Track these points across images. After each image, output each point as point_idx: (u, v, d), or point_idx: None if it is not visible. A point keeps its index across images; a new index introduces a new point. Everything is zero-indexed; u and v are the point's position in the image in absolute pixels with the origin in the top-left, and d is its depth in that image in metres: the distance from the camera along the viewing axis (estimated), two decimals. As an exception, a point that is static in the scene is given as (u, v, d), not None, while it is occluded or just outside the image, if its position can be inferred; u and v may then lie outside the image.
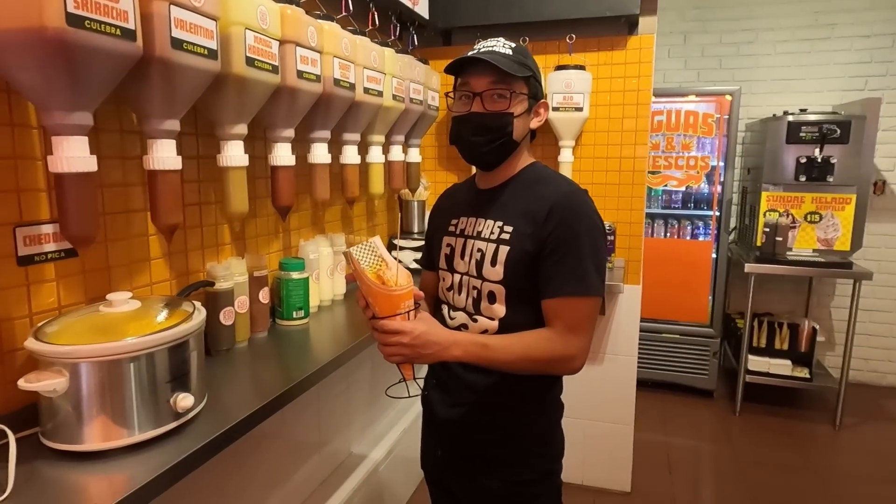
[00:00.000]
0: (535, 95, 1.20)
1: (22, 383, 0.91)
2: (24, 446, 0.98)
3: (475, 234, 1.24)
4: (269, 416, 1.23)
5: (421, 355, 1.11)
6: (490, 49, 1.17)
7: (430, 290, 1.41)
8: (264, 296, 1.60)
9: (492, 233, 1.20)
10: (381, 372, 2.46)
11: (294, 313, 1.73)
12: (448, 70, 1.21)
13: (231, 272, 1.48)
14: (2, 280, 1.01)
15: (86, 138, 0.91)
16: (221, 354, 1.46)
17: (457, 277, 1.27)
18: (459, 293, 1.27)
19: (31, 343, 0.94)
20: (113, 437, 0.98)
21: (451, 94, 1.24)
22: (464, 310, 1.26)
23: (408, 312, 1.10)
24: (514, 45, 1.19)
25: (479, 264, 1.21)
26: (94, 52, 0.85)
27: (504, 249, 1.17)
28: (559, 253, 1.12)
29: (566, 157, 2.46)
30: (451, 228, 1.31)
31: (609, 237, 2.51)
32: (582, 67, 2.39)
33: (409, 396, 1.24)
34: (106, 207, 1.20)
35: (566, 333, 1.13)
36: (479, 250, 1.22)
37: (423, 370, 1.17)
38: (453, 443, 1.33)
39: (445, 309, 1.31)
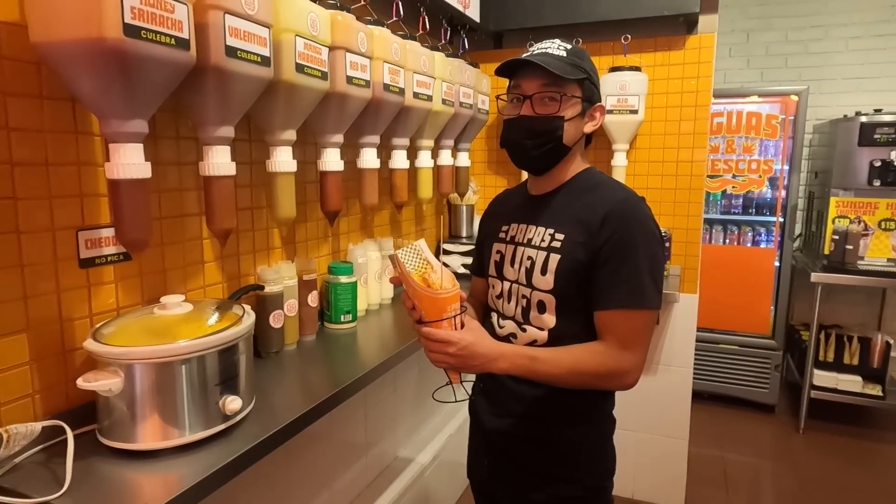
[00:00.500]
0: (591, 99, 1.16)
1: (80, 382, 0.94)
2: (82, 443, 1.01)
3: (525, 241, 1.21)
4: (315, 419, 1.24)
5: (467, 366, 1.09)
6: (543, 51, 1.14)
7: (481, 297, 1.38)
8: (313, 299, 1.62)
9: (542, 240, 1.17)
10: (428, 375, 2.46)
11: (342, 317, 1.74)
12: (499, 72, 1.18)
13: (281, 276, 1.50)
14: (64, 281, 1.05)
15: (141, 145, 0.93)
16: (270, 357, 1.48)
17: (506, 285, 1.24)
18: (509, 301, 1.24)
19: (89, 343, 0.98)
20: (164, 437, 1.01)
21: (503, 97, 1.22)
22: (513, 318, 1.23)
23: (454, 317, 1.09)
24: (569, 46, 1.16)
25: (529, 272, 1.18)
26: (149, 62, 0.87)
27: (555, 258, 1.13)
28: (613, 263, 1.07)
29: (620, 161, 2.39)
30: (502, 235, 1.28)
31: (665, 244, 2.43)
32: (637, 69, 2.32)
33: (456, 401, 1.23)
34: (162, 212, 1.24)
35: (619, 348, 1.08)
36: (530, 258, 1.18)
37: (471, 374, 1.15)
38: (499, 454, 1.29)
39: (495, 317, 1.29)
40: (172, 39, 0.90)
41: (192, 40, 0.95)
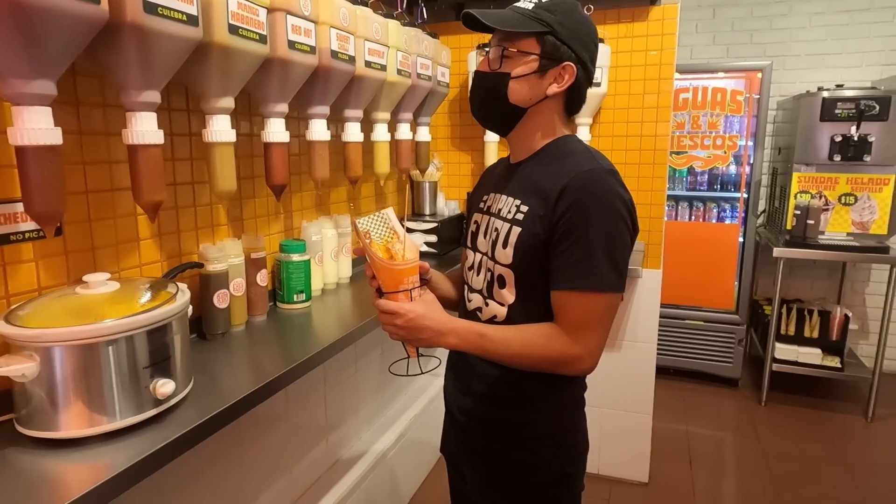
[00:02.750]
0: (555, 56, 1.04)
1: (-12, 368, 0.87)
2: (-3, 433, 0.95)
3: (496, 211, 1.15)
4: (260, 401, 1.18)
5: (416, 339, 1.04)
6: (515, 4, 1.07)
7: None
8: (262, 278, 1.55)
9: (509, 211, 1.10)
10: (390, 355, 2.41)
11: (295, 296, 1.67)
12: (469, 26, 1.10)
13: (226, 254, 1.43)
14: (-25, 260, 0.97)
15: (48, 108, 0.85)
16: (217, 338, 1.42)
17: (477, 257, 1.19)
18: (478, 274, 1.18)
19: (-1, 326, 0.90)
20: (90, 424, 0.94)
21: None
22: (480, 292, 1.17)
23: (411, 290, 1.04)
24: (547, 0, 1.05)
25: (494, 244, 1.12)
26: (52, 14, 0.79)
27: (516, 231, 1.06)
28: (568, 240, 0.99)
29: (583, 135, 2.36)
30: (481, 205, 1.22)
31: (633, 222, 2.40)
32: (600, 40, 2.27)
33: (408, 374, 1.18)
34: (89, 185, 1.16)
35: (572, 331, 1.01)
36: (496, 230, 1.12)
37: (435, 349, 1.10)
38: (465, 432, 1.24)
39: (466, 290, 1.23)
40: (78, -9, 0.82)
41: (102, -7, 0.86)
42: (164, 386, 1.00)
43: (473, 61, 2.38)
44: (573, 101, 1.12)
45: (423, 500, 2.51)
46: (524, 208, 1.07)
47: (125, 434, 0.97)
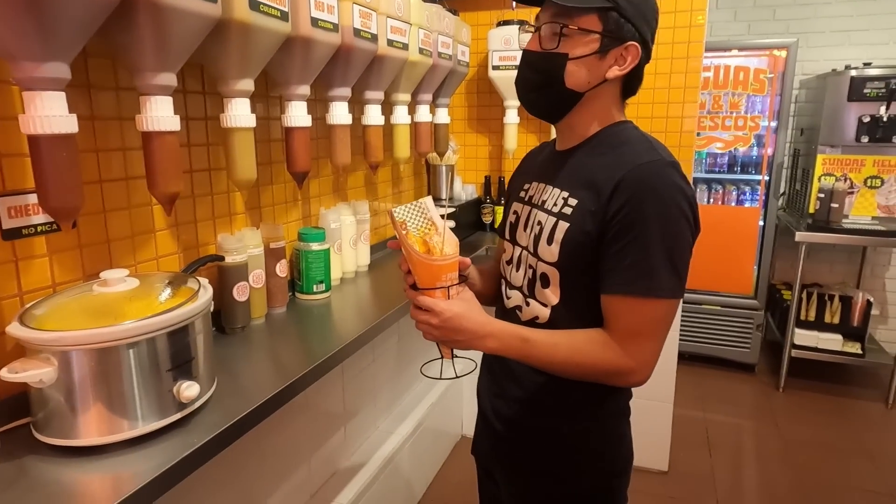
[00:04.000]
0: (618, 35, 0.93)
1: (4, 373, 0.81)
2: (13, 440, 0.89)
3: (540, 203, 1.05)
4: (285, 401, 1.13)
5: (452, 340, 0.97)
6: None
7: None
8: (282, 269, 1.49)
9: (555, 204, 1.00)
10: (408, 342, 2.36)
11: (314, 287, 1.62)
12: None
13: (244, 244, 1.36)
14: (-15, 256, 0.91)
15: (62, 94, 0.78)
16: (236, 332, 1.36)
17: (517, 251, 1.09)
18: (517, 269, 1.08)
19: (14, 328, 0.84)
20: (111, 431, 0.89)
21: (530, 28, 1.02)
22: (520, 290, 1.08)
23: (448, 287, 0.97)
24: None
25: (537, 240, 1.02)
26: (63, -11, 0.72)
27: (563, 226, 0.97)
28: (623, 240, 0.90)
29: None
30: (522, 194, 1.12)
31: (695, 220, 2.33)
32: (627, 17, 2.17)
33: (441, 378, 1.12)
34: (102, 174, 1.09)
35: (625, 340, 0.92)
36: (539, 223, 1.02)
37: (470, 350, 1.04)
38: (499, 437, 1.16)
39: (503, 285, 1.14)
40: (92, -36, 0.75)
41: (118, -34, 0.79)
42: (189, 389, 0.95)
43: (494, 39, 2.28)
44: (631, 83, 1.01)
45: (440, 489, 2.48)
46: (573, 202, 0.97)
47: (148, 440, 0.92)
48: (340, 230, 1.75)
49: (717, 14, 3.83)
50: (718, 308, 3.53)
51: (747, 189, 3.51)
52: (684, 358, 3.62)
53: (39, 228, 0.98)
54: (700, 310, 3.55)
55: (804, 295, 3.34)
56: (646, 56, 0.98)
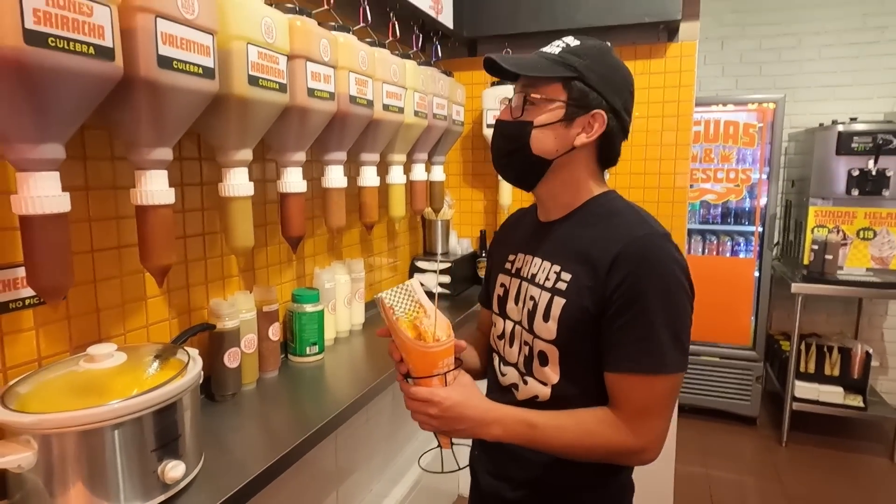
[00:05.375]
0: (585, 103, 0.94)
1: (-19, 459, 0.78)
2: (-11, 525, 0.86)
3: (529, 276, 1.03)
4: (275, 476, 1.09)
5: (453, 430, 0.93)
6: (540, 50, 0.99)
7: (486, 331, 1.19)
8: (274, 332, 1.47)
9: (547, 278, 0.98)
10: (403, 402, 2.31)
11: (307, 349, 1.59)
12: (488, 72, 1.02)
13: (237, 309, 1.35)
14: (-30, 332, 0.89)
15: (56, 174, 0.78)
16: (227, 400, 1.33)
17: (509, 325, 1.07)
18: (511, 345, 1.06)
19: (-6, 410, 0.82)
20: (92, 515, 0.85)
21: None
22: (515, 366, 1.05)
23: (445, 374, 0.93)
24: (576, 43, 0.98)
25: (531, 315, 1.00)
26: (60, 75, 0.73)
27: (559, 302, 0.95)
28: (625, 316, 0.88)
29: (601, 173, 2.29)
30: (508, 266, 1.10)
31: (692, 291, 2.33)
32: (618, 77, 2.22)
33: (444, 472, 1.05)
34: (95, 243, 1.08)
35: (634, 419, 0.90)
36: (532, 298, 1.00)
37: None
38: None
39: (496, 360, 1.11)
40: (91, 48, 0.76)
41: (117, 48, 0.80)
42: (174, 469, 0.91)
43: (488, 98, 2.33)
44: (606, 152, 1.00)
45: (436, 554, 2.38)
46: (566, 276, 0.96)
47: (130, 524, 0.88)
48: (335, 290, 1.73)
49: (706, 70, 3.94)
50: (717, 359, 3.49)
51: (741, 240, 3.53)
52: (684, 410, 3.56)
53: (28, 301, 0.96)
54: (699, 361, 3.51)
55: (803, 346, 3.32)
56: (618, 125, 0.97)
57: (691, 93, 2.27)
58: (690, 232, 3.60)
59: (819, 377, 3.27)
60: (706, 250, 3.56)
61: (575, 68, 0.94)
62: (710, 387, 3.52)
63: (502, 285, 1.10)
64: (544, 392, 0.99)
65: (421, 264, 2.38)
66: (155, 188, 0.94)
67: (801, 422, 3.32)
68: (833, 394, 3.23)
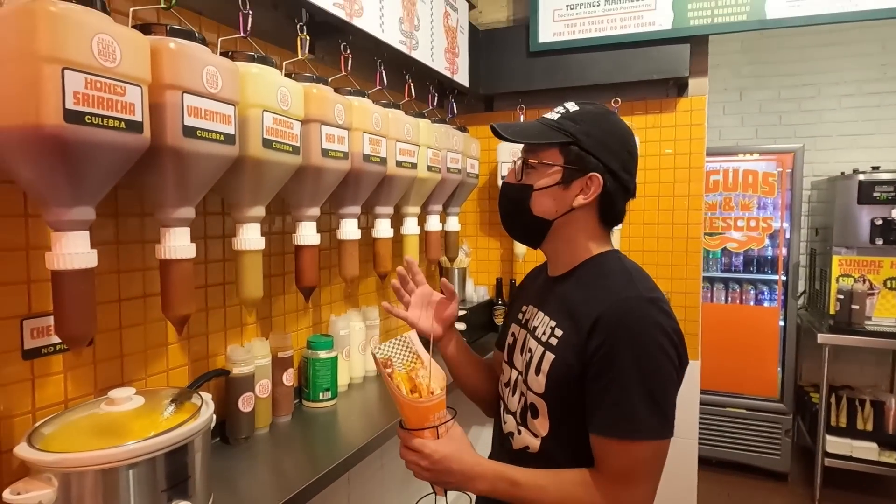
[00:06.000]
0: (582, 166, 0.98)
1: (7, 495, 0.84)
2: (10, 559, 0.91)
3: (532, 328, 1.07)
4: (280, 521, 1.13)
5: (442, 482, 0.97)
6: (542, 116, 1.06)
7: (497, 371, 1.22)
8: (289, 378, 1.53)
9: (544, 333, 1.02)
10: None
11: (321, 394, 1.64)
12: (498, 137, 1.09)
13: (252, 355, 1.41)
14: (5, 375, 0.97)
15: (86, 233, 0.87)
16: (240, 443, 1.38)
17: (514, 374, 1.09)
18: (513, 394, 1.08)
19: (20, 449, 0.88)
20: (104, 552, 0.90)
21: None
22: (514, 415, 1.07)
23: (437, 427, 0.96)
24: (575, 108, 1.03)
25: (527, 368, 1.03)
26: (95, 147, 0.82)
27: (549, 357, 0.98)
28: (602, 379, 0.90)
29: (613, 223, 2.33)
30: (520, 316, 1.14)
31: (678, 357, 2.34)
32: (628, 131, 2.29)
33: None
34: (122, 293, 1.17)
35: (614, 482, 0.91)
36: (530, 350, 1.04)
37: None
38: None
39: (501, 407, 1.13)
40: (122, 123, 0.85)
41: (145, 122, 0.90)
42: (182, 510, 0.96)
43: (503, 151, 2.41)
44: (607, 212, 1.03)
45: None
46: (558, 332, 0.99)
47: (139, 563, 0.93)
48: (350, 336, 1.79)
49: (725, 119, 3.99)
50: (743, 411, 3.41)
51: (765, 288, 3.49)
52: (710, 464, 3.46)
53: (58, 347, 1.05)
54: (723, 412, 3.43)
55: (833, 399, 3.22)
56: (616, 185, 1.00)
57: (702, 145, 2.32)
58: (713, 280, 3.58)
59: (851, 432, 3.16)
60: (729, 298, 3.53)
61: (571, 133, 0.99)
62: (737, 439, 3.43)
63: (513, 334, 1.14)
64: (534, 444, 1.01)
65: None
66: (177, 244, 1.03)
67: (834, 478, 3.19)
68: (867, 450, 3.10)
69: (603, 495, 0.91)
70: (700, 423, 2.40)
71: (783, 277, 3.41)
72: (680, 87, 2.33)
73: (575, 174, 1.00)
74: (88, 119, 0.80)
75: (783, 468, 3.35)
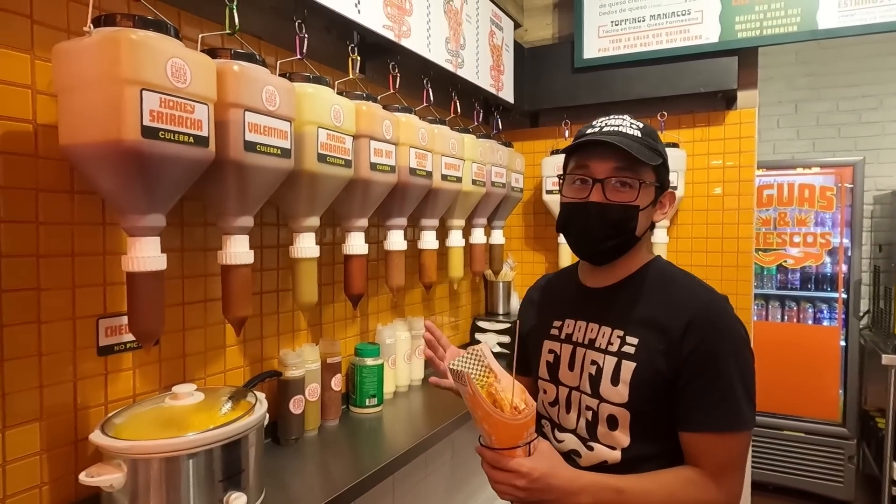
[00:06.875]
0: (663, 185, 1.04)
1: (83, 477, 0.92)
2: (83, 541, 0.99)
3: (587, 342, 1.06)
4: (328, 517, 1.18)
5: (539, 501, 0.94)
6: (616, 129, 1.01)
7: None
8: (337, 383, 1.59)
9: (610, 343, 1.02)
10: (462, 458, 2.34)
11: (367, 401, 1.69)
12: (568, 150, 1.06)
13: (303, 359, 1.48)
14: (82, 369, 1.06)
15: (157, 238, 0.95)
16: (290, 444, 1.45)
17: (563, 392, 1.08)
18: (568, 411, 1.07)
19: (95, 436, 0.97)
20: (166, 537, 0.97)
21: (562, 176, 1.08)
22: (574, 433, 1.06)
23: (529, 444, 0.92)
24: (642, 125, 1.03)
25: (595, 380, 1.02)
26: (167, 160, 0.90)
27: (629, 366, 0.98)
28: (703, 378, 0.94)
29: (660, 237, 2.31)
30: (554, 332, 1.13)
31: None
32: (675, 145, 2.28)
33: None
34: (186, 297, 1.26)
35: (717, 477, 0.93)
36: (594, 363, 1.03)
37: None
38: None
39: (548, 427, 1.12)
40: (191, 138, 0.94)
41: (211, 137, 0.98)
42: (237, 500, 1.02)
43: (547, 166, 2.43)
44: (653, 223, 1.10)
45: None
46: (632, 340, 0.99)
47: (197, 549, 0.99)
48: (395, 345, 1.84)
49: (780, 133, 3.89)
50: (802, 435, 3.27)
51: (824, 307, 3.35)
52: (767, 489, 3.32)
53: (128, 345, 1.14)
54: (781, 435, 3.29)
55: (900, 424, 3.05)
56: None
57: (752, 158, 2.28)
58: (767, 297, 3.47)
59: (922, 459, 2.98)
60: (786, 317, 3.41)
61: (660, 153, 1.03)
62: (795, 464, 3.28)
63: (551, 351, 1.12)
64: (613, 456, 1.00)
65: (482, 324, 2.46)
66: (238, 250, 1.10)
67: (904, 509, 3.01)
68: (939, 479, 2.92)
69: (708, 489, 0.94)
70: (755, 444, 2.34)
71: (844, 295, 3.27)
72: (728, 99, 2.31)
73: (661, 192, 1.05)
74: (162, 134, 0.89)
75: (846, 497, 3.18)
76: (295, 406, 1.43)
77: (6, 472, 0.96)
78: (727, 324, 0.97)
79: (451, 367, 0.92)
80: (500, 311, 2.55)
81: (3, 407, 0.95)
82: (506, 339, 2.38)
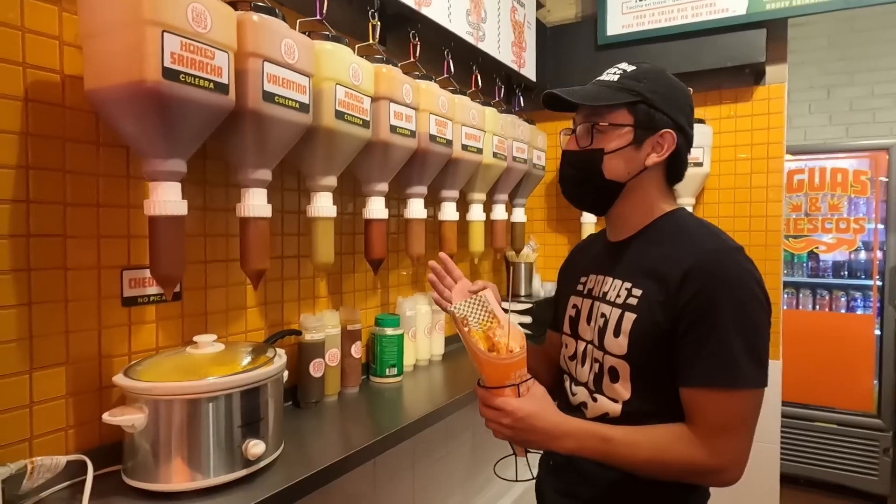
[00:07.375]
0: (652, 125, 0.99)
1: (106, 417, 0.94)
2: (107, 482, 1.01)
3: (601, 294, 1.06)
4: (346, 471, 1.18)
5: (525, 441, 0.96)
6: (598, 79, 1.05)
7: (553, 355, 1.21)
8: (357, 351, 1.59)
9: (618, 295, 1.01)
10: (483, 439, 2.33)
11: (387, 370, 1.70)
12: (552, 107, 1.08)
13: (323, 324, 1.49)
14: (106, 319, 1.09)
15: (178, 184, 0.97)
16: (310, 407, 1.46)
17: (580, 345, 1.08)
18: (582, 364, 1.07)
19: (118, 378, 0.99)
20: (187, 479, 0.99)
21: (567, 132, 1.10)
22: (585, 385, 1.06)
23: (518, 385, 0.95)
24: (631, 68, 1.03)
25: (602, 332, 1.01)
26: (187, 103, 0.92)
27: (630, 317, 0.97)
28: (698, 330, 0.90)
29: (685, 215, 2.27)
30: (580, 287, 1.13)
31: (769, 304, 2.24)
32: (701, 121, 2.24)
33: (517, 480, 1.08)
34: (207, 255, 1.28)
35: (711, 436, 0.88)
36: (603, 315, 1.02)
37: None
38: None
39: (567, 381, 1.12)
40: (211, 84, 0.95)
41: (231, 85, 0.99)
42: (255, 447, 1.03)
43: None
44: (674, 169, 1.05)
45: None
46: (637, 292, 0.98)
47: (217, 492, 1.00)
48: (416, 318, 1.84)
49: (812, 119, 3.81)
50: (835, 426, 3.18)
51: (858, 295, 3.26)
52: (798, 483, 3.24)
53: (152, 298, 1.16)
54: (812, 427, 3.21)
55: (939, 416, 2.94)
56: (685, 141, 1.02)
57: (781, 135, 2.23)
58: (798, 285, 3.39)
59: (962, 452, 2.87)
60: (817, 305, 3.32)
61: (638, 92, 1.00)
62: (828, 457, 3.19)
63: (574, 306, 1.13)
64: (615, 409, 0.99)
65: (503, 304, 2.44)
66: (255, 203, 1.12)
67: (943, 504, 2.91)
68: (981, 472, 2.81)
69: (700, 449, 0.89)
70: (786, 436, 2.28)
71: (878, 283, 3.17)
72: (756, 74, 2.25)
73: (646, 133, 1.00)
74: (183, 77, 0.90)
75: (882, 490, 3.08)
76: (315, 369, 1.44)
77: (34, 413, 0.98)
78: (732, 273, 0.90)
79: (450, 310, 0.99)
80: (522, 293, 2.53)
81: (31, 349, 0.98)
82: (527, 319, 2.36)
